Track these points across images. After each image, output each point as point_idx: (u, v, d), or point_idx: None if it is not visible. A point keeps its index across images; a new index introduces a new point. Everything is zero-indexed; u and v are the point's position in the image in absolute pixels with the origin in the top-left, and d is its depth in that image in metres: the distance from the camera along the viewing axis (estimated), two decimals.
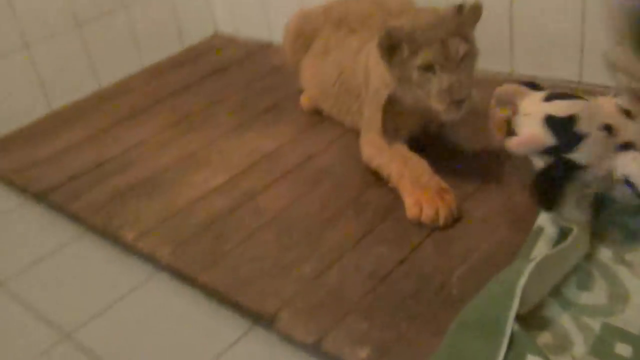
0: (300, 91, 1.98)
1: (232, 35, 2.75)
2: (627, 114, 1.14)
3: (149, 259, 1.45)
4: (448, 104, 1.34)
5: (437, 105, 1.36)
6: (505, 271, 1.07)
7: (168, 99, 2.23)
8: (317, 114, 1.90)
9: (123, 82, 2.45)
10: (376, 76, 1.52)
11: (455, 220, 1.34)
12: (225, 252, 1.39)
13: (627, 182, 1.09)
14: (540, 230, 1.20)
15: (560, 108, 1.12)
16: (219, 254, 1.39)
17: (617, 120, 1.12)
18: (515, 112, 1.18)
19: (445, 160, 1.50)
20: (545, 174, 1.13)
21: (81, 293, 1.43)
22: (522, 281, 1.01)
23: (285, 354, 1.17)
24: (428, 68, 1.34)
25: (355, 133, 1.67)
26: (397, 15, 1.55)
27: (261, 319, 1.22)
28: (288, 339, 1.17)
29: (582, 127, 1.10)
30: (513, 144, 1.12)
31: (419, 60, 1.34)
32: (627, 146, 1.12)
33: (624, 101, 1.16)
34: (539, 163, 1.15)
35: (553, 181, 1.12)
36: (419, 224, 1.34)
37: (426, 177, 1.40)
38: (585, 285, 1.10)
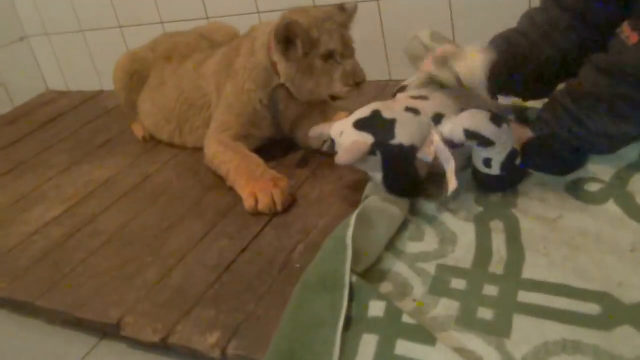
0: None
1: (63, 90, 2.60)
2: (421, 97, 1.18)
3: None
4: (351, 86, 1.38)
5: (341, 88, 1.38)
6: (336, 229, 1.03)
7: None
8: (151, 142, 1.81)
9: None
10: (243, 77, 1.47)
11: (292, 204, 1.30)
12: (63, 276, 1.25)
13: (469, 135, 1.06)
14: (366, 198, 1.18)
15: (362, 112, 1.16)
16: (57, 278, 1.24)
17: (415, 104, 1.15)
18: None
19: (282, 157, 1.50)
20: (389, 176, 1.13)
21: None
22: (350, 231, 0.98)
23: (136, 359, 1.06)
24: (330, 56, 1.36)
25: (193, 151, 1.59)
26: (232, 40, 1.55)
27: (106, 330, 1.09)
28: (136, 343, 1.06)
29: (386, 115, 1.12)
30: (340, 157, 1.11)
31: (323, 49, 1.35)
32: (439, 116, 1.13)
33: (412, 91, 1.23)
34: (378, 177, 1.14)
35: (399, 176, 1.13)
36: (257, 214, 1.28)
37: (260, 170, 1.35)
38: (416, 236, 1.09)
